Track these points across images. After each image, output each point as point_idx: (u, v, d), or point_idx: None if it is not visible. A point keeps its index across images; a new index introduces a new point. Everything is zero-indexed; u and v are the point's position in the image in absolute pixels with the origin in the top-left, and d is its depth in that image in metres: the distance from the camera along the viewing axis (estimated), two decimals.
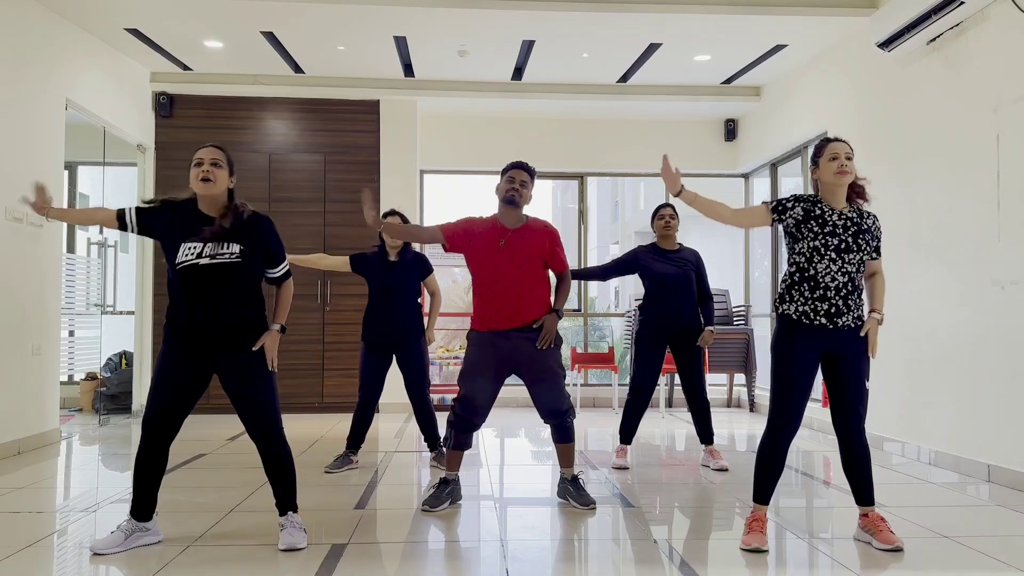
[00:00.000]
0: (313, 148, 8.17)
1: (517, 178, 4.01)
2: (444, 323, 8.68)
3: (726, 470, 5.01)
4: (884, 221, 5.88)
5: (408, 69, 7.66)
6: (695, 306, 5.09)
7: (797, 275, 3.33)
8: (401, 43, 6.94)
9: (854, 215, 3.34)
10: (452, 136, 8.88)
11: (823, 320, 3.27)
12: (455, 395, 4.02)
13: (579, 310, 9.47)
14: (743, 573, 3.05)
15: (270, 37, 6.77)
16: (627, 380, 8.67)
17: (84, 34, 6.59)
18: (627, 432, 5.19)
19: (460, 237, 3.97)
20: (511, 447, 6.44)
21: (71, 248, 8.80)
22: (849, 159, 3.31)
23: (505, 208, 4.01)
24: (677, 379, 8.76)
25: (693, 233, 11.58)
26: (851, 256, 3.28)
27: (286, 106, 8.15)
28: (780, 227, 3.43)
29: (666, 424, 7.47)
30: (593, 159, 9.05)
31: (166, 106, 7.94)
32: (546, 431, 7.02)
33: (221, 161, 3.26)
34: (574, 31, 6.59)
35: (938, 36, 5.29)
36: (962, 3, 4.87)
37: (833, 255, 3.27)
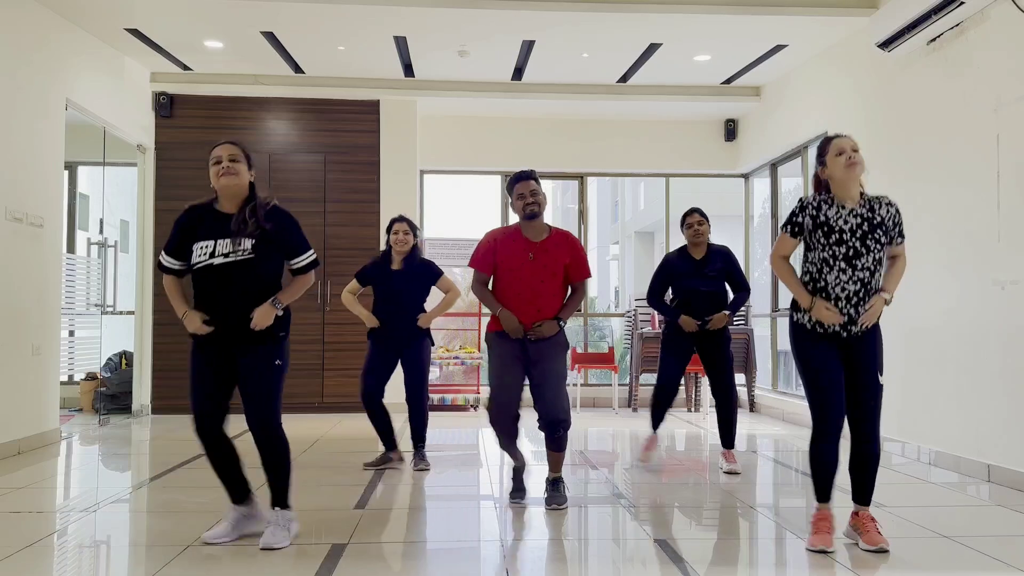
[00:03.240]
0: (313, 148, 8.17)
1: (527, 190, 3.96)
2: (444, 323, 8.68)
3: (736, 474, 4.94)
4: None
5: (408, 69, 7.66)
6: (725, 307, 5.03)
7: (810, 285, 3.31)
8: (401, 43, 6.94)
9: (865, 210, 3.28)
10: (452, 136, 8.87)
11: (837, 328, 3.26)
12: (488, 396, 4.09)
13: (579, 310, 9.48)
14: (743, 573, 3.05)
15: (270, 37, 6.77)
16: (627, 380, 8.70)
17: (84, 34, 6.58)
18: (657, 419, 5.19)
19: (490, 263, 3.99)
20: None
21: (71, 248, 8.80)
22: (856, 151, 3.28)
23: (528, 222, 3.99)
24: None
25: None
26: (862, 261, 3.24)
27: (286, 106, 8.15)
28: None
29: (666, 424, 7.45)
30: (593, 159, 9.05)
31: (166, 106, 7.94)
32: None
33: (239, 156, 3.29)
34: (574, 31, 6.59)
35: (938, 36, 5.29)
36: (962, 3, 4.87)
37: (843, 264, 3.23)
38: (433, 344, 5.24)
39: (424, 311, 5.08)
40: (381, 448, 5.14)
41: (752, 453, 5.80)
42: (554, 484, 4.07)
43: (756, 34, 6.66)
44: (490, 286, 4.06)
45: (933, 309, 5.34)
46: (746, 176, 9.19)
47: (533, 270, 3.91)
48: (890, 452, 5.76)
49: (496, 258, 3.97)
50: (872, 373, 3.30)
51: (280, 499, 3.36)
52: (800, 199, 3.37)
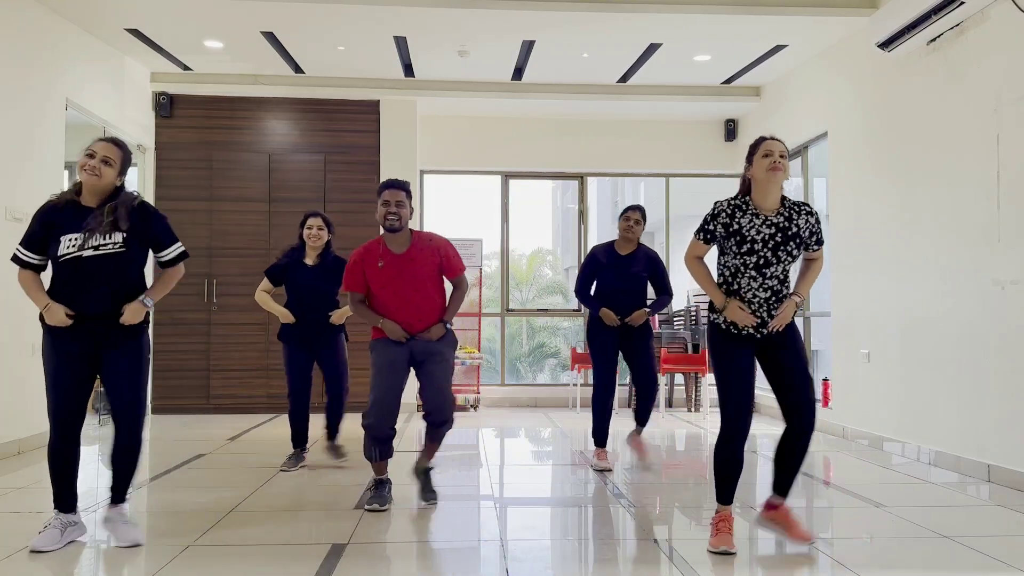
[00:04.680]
0: (313, 148, 8.17)
1: (392, 199, 3.90)
2: None
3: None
4: (884, 221, 5.93)
5: (408, 69, 7.66)
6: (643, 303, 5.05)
7: (724, 287, 3.31)
8: (401, 43, 6.94)
9: (782, 219, 3.25)
10: (452, 136, 8.87)
11: (750, 330, 3.26)
12: (369, 401, 3.97)
13: (579, 310, 9.47)
14: (743, 573, 3.05)
15: (270, 37, 6.77)
16: (627, 380, 8.69)
17: (84, 34, 6.58)
18: (604, 432, 5.16)
19: (361, 282, 3.98)
20: (511, 447, 6.44)
21: None
22: (783, 157, 3.25)
23: (391, 235, 3.96)
24: (679, 379, 8.82)
25: (688, 232, 11.59)
26: (772, 270, 3.24)
27: (286, 106, 8.15)
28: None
29: (666, 424, 7.46)
30: (593, 159, 9.04)
31: (166, 106, 7.94)
32: (546, 430, 7.03)
33: (113, 160, 3.30)
34: (574, 31, 6.59)
35: (938, 36, 5.29)
36: (962, 3, 4.87)
37: (753, 273, 3.24)
38: (348, 340, 5.19)
39: (337, 307, 5.03)
40: (290, 448, 5.10)
41: (752, 453, 5.79)
42: (425, 473, 4.15)
43: (756, 34, 6.66)
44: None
45: (933, 309, 5.34)
46: None
47: (402, 281, 3.92)
48: (890, 452, 5.76)
49: (365, 277, 3.96)
50: (800, 365, 3.30)
51: (123, 494, 3.41)
52: (715, 203, 3.34)
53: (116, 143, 3.34)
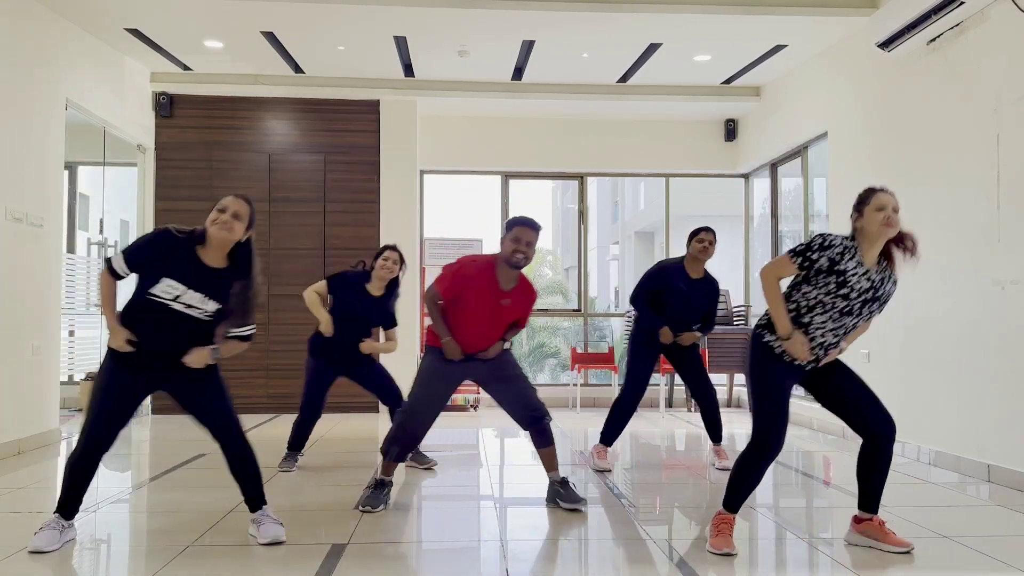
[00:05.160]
0: (313, 148, 8.17)
1: (525, 239, 3.83)
2: None
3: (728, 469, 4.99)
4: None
5: (408, 69, 7.66)
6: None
7: (792, 314, 3.22)
8: (401, 43, 6.94)
9: (877, 279, 3.18)
10: (452, 136, 8.87)
11: (800, 362, 3.24)
12: (407, 400, 4.02)
13: (579, 310, 9.48)
14: (743, 573, 3.05)
15: (270, 37, 6.77)
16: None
17: (84, 34, 6.58)
18: (615, 432, 5.15)
19: (455, 293, 3.94)
20: (511, 447, 6.44)
21: (71, 248, 8.79)
22: (896, 211, 3.15)
23: (508, 269, 3.91)
24: (678, 379, 8.82)
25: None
26: (850, 320, 3.20)
27: (286, 106, 8.15)
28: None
29: (666, 424, 7.47)
30: (593, 159, 9.04)
31: (166, 106, 7.94)
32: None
33: (243, 216, 3.20)
34: (574, 31, 6.59)
35: (938, 36, 5.29)
36: (962, 3, 4.87)
37: (835, 315, 3.18)
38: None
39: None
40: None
41: None
42: (563, 484, 4.04)
43: (756, 34, 6.66)
44: None
45: (933, 309, 5.34)
46: (746, 176, 9.19)
47: (488, 316, 3.93)
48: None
49: (463, 291, 3.92)
50: (858, 380, 3.30)
51: (262, 499, 3.41)
52: (824, 236, 3.20)
53: (246, 199, 3.25)
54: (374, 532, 3.59)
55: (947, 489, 4.59)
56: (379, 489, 3.98)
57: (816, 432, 6.78)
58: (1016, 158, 4.62)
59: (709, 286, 5.06)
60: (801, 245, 3.20)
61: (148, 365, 3.24)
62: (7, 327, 5.52)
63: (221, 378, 3.39)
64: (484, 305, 3.89)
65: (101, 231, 8.05)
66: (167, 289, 3.16)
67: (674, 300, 4.99)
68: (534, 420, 3.98)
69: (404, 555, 3.32)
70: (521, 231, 3.82)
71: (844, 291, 3.12)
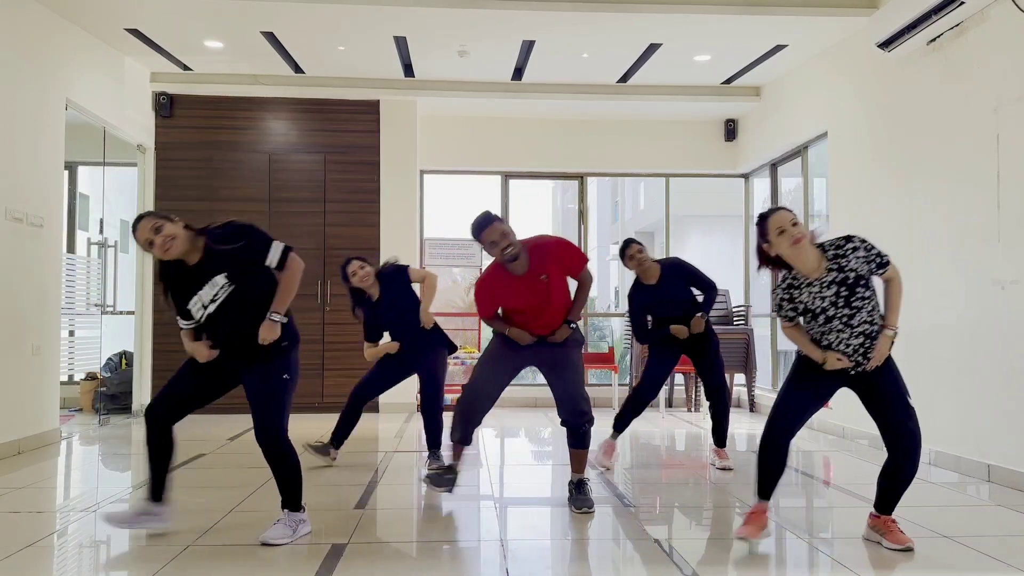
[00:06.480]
0: (313, 148, 8.17)
1: (496, 235, 3.80)
2: (442, 323, 8.66)
3: (729, 470, 5.00)
4: (884, 221, 5.92)
5: (408, 69, 7.66)
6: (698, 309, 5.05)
7: (816, 342, 3.31)
8: (401, 43, 6.94)
9: (834, 274, 3.17)
10: (452, 136, 8.87)
11: (843, 370, 3.29)
12: (467, 382, 4.11)
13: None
14: (743, 573, 3.05)
15: (270, 37, 6.77)
16: (627, 380, 8.70)
17: (84, 34, 6.58)
18: (624, 423, 5.17)
19: (495, 307, 4.01)
20: (511, 447, 6.44)
21: (71, 248, 8.80)
22: (795, 224, 3.13)
23: (511, 263, 3.91)
24: (679, 379, 8.83)
25: (693, 232, 11.60)
26: (858, 318, 3.20)
27: (286, 106, 8.15)
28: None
29: (666, 424, 7.47)
30: (593, 159, 9.04)
31: (166, 106, 7.94)
32: (546, 430, 7.03)
33: (160, 225, 3.19)
34: (574, 31, 6.59)
35: (938, 36, 5.29)
36: (962, 3, 4.87)
37: (839, 326, 3.21)
38: (453, 351, 5.26)
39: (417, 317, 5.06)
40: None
41: (752, 453, 5.79)
42: (579, 486, 4.03)
43: (756, 34, 6.66)
44: (470, 282, 4.13)
45: (933, 309, 5.34)
46: (746, 176, 9.19)
47: (536, 301, 3.92)
48: None
49: (497, 300, 3.99)
50: (894, 390, 3.28)
51: (288, 502, 3.41)
52: (772, 291, 3.33)
53: (150, 215, 3.26)
54: (374, 532, 3.59)
55: (947, 489, 4.59)
56: (448, 471, 4.10)
57: (816, 432, 6.78)
58: (1016, 158, 4.62)
59: (671, 272, 5.03)
60: (774, 304, 3.37)
61: (229, 358, 3.35)
62: (7, 327, 5.52)
63: (273, 382, 3.33)
64: (524, 293, 3.91)
65: (101, 231, 8.04)
66: (197, 307, 3.28)
67: (657, 309, 5.06)
68: (571, 422, 4.01)
69: (404, 555, 3.32)
70: (486, 235, 3.81)
71: (821, 317, 3.22)
